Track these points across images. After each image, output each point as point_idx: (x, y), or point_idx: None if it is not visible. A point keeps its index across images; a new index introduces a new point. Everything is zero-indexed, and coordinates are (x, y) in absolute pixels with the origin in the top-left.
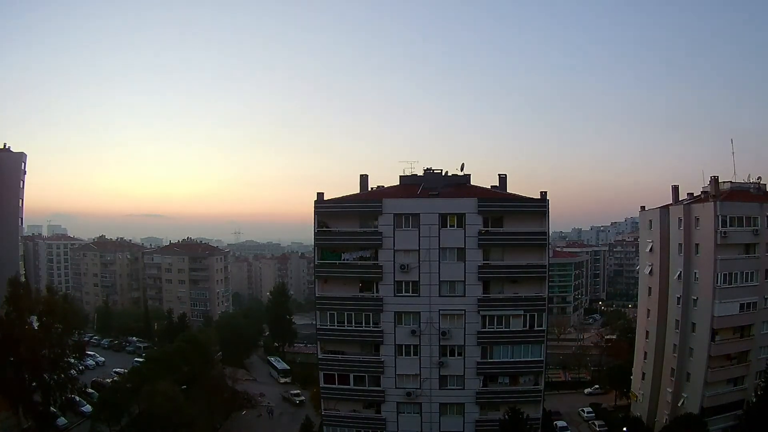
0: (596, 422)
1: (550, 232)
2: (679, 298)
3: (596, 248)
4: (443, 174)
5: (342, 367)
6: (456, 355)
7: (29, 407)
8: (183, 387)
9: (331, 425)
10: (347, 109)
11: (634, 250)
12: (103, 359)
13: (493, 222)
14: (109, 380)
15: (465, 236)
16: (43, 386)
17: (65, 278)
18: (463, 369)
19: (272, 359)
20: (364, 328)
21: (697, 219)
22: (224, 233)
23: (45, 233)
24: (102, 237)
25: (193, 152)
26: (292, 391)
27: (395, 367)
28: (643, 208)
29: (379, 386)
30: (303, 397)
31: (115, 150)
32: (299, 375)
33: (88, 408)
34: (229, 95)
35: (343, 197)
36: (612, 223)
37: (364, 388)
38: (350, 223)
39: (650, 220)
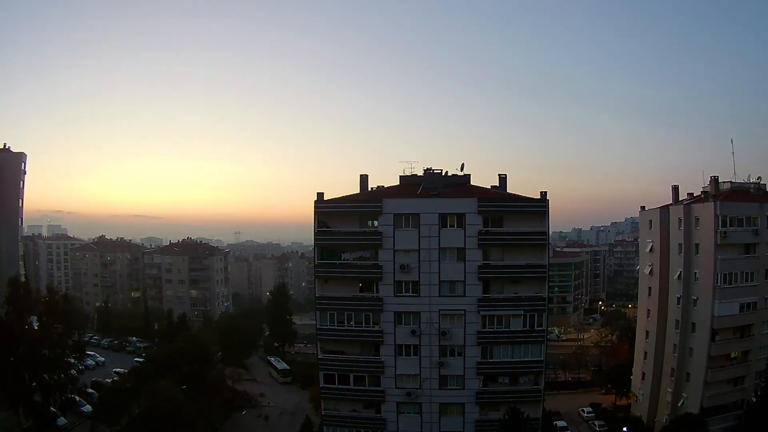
0: (596, 422)
1: (550, 232)
2: (679, 298)
3: (596, 248)
4: (443, 174)
5: (342, 367)
6: (456, 355)
7: (29, 407)
8: (183, 387)
9: (331, 425)
10: (347, 109)
11: (634, 250)
12: (103, 359)
13: (493, 222)
14: (109, 380)
15: (465, 236)
16: (43, 386)
17: (65, 278)
18: (463, 369)
19: (272, 359)
20: (364, 328)
21: (697, 219)
22: (224, 233)
23: (45, 233)
24: (102, 237)
25: (193, 152)
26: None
27: (395, 367)
28: (643, 208)
29: (379, 386)
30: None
31: (115, 150)
32: (299, 375)
33: (88, 408)
34: (229, 96)
35: (343, 197)
36: (612, 223)
37: (364, 388)
38: (350, 223)
39: (650, 220)
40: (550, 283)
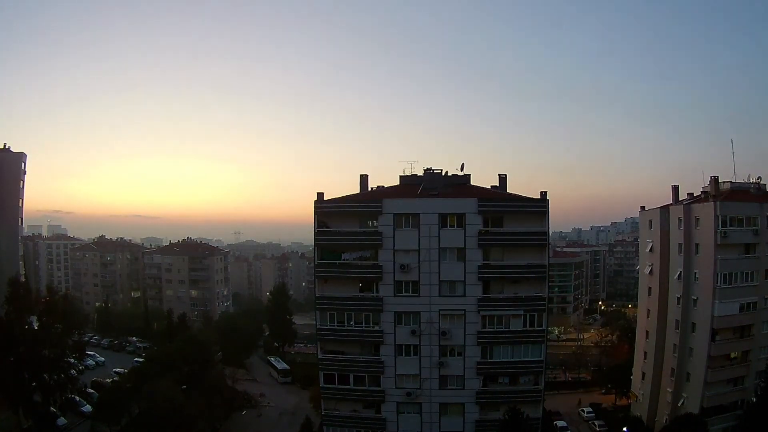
0: (596, 422)
1: (550, 232)
2: (679, 298)
3: (596, 248)
4: (443, 174)
5: (342, 367)
6: (456, 355)
7: (29, 407)
8: (183, 387)
9: (331, 425)
10: (347, 109)
11: (634, 250)
12: (103, 359)
13: (493, 222)
14: (109, 380)
15: (465, 236)
16: (43, 386)
17: (65, 278)
18: (463, 369)
19: (272, 359)
20: (364, 328)
21: (697, 219)
22: (224, 233)
23: (45, 233)
24: (102, 237)
25: (193, 152)
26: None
27: (395, 367)
28: (643, 208)
29: (379, 386)
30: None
31: (115, 151)
32: (299, 375)
33: (88, 408)
34: (229, 96)
35: (343, 197)
36: (612, 223)
37: (364, 388)
38: (350, 223)
39: (650, 220)
40: (550, 283)
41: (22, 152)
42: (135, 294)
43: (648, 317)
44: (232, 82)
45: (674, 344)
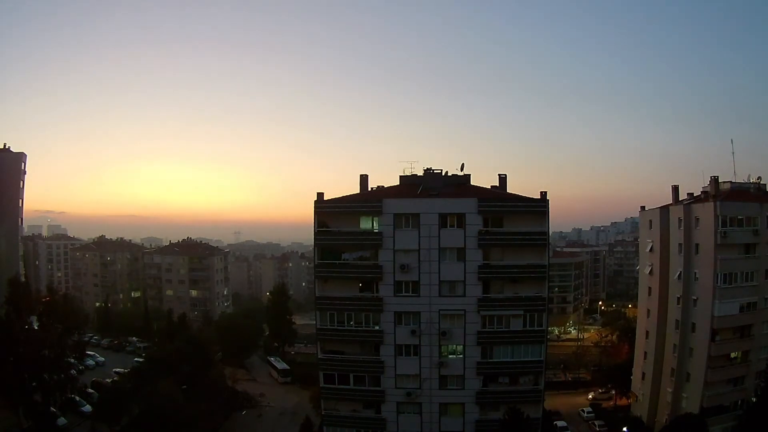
0: (596, 422)
1: (550, 232)
2: (679, 298)
3: (596, 248)
4: (443, 174)
5: (342, 367)
6: (456, 355)
7: (29, 407)
8: (183, 387)
9: (331, 425)
10: (347, 109)
11: (634, 250)
12: (103, 359)
13: (493, 222)
14: (109, 380)
15: (465, 236)
16: (43, 386)
17: (65, 278)
18: (463, 369)
19: (272, 359)
20: (364, 328)
21: (697, 219)
22: (224, 233)
23: (45, 233)
24: (102, 237)
25: (193, 153)
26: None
27: (395, 367)
28: (643, 208)
29: (379, 386)
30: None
31: (115, 151)
32: (299, 375)
33: (88, 408)
34: (229, 96)
35: (343, 197)
36: (612, 223)
37: (364, 388)
38: (350, 223)
39: (650, 220)
40: (550, 283)
41: (22, 152)
42: (135, 294)
43: (648, 317)
44: (231, 82)
45: (674, 344)
